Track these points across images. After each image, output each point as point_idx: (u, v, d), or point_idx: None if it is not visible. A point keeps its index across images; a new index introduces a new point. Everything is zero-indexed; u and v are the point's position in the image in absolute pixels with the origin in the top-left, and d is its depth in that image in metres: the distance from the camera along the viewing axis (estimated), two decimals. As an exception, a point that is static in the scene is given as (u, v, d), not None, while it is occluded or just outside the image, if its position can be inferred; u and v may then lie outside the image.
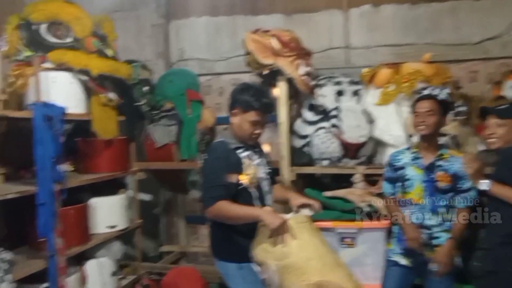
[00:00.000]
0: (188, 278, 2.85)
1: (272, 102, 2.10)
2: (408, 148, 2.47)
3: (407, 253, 2.37)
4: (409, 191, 2.36)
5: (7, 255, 2.30)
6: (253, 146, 2.16)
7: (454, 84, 3.09)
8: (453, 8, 3.48)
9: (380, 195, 2.96)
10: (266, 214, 1.88)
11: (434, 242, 2.31)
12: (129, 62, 3.22)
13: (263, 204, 2.09)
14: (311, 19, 3.70)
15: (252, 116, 2.01)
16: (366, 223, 2.84)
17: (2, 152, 2.60)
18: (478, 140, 3.04)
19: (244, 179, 2.02)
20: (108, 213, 3.12)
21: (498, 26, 3.41)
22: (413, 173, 2.34)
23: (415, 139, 2.86)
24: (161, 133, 3.41)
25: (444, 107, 2.38)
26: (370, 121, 3.00)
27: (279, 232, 1.82)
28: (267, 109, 2.06)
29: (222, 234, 2.09)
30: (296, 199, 2.07)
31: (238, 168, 2.03)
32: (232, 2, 3.88)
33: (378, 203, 2.89)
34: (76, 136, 3.12)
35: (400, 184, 2.39)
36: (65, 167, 2.64)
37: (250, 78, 3.82)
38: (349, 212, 2.88)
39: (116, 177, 3.27)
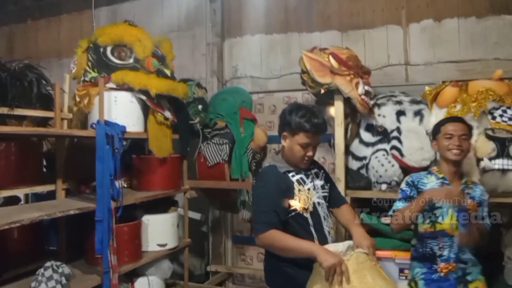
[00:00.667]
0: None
1: (324, 122, 1.98)
2: (429, 173, 2.26)
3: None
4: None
5: (65, 269, 2.35)
6: (307, 169, 2.05)
7: (529, 103, 2.84)
8: (526, 21, 3.23)
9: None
10: (321, 251, 1.72)
11: (468, 278, 2.12)
12: (185, 80, 3.25)
13: (319, 231, 1.96)
14: (367, 35, 3.57)
15: (302, 138, 1.92)
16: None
17: (66, 168, 2.67)
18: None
19: (296, 204, 1.93)
20: (159, 231, 3.13)
21: None
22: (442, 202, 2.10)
23: (488, 163, 2.66)
24: (213, 151, 3.39)
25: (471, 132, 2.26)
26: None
27: (335, 272, 1.66)
28: (318, 130, 1.95)
29: (275, 263, 1.98)
30: (360, 239, 1.89)
31: (289, 193, 1.94)
32: (286, 19, 3.84)
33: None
34: (132, 153, 3.18)
35: (427, 213, 2.13)
36: (121, 183, 2.68)
37: (303, 96, 3.79)
38: (408, 240, 2.69)
39: (168, 196, 3.29)
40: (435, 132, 2.25)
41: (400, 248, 2.71)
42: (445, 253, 2.12)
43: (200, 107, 3.37)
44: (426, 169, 2.78)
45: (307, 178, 2.02)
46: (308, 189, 1.98)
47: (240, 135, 3.41)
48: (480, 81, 2.83)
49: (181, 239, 3.40)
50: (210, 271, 3.95)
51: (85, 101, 2.80)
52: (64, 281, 2.29)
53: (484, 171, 2.67)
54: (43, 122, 2.84)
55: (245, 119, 3.49)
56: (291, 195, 1.93)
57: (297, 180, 1.98)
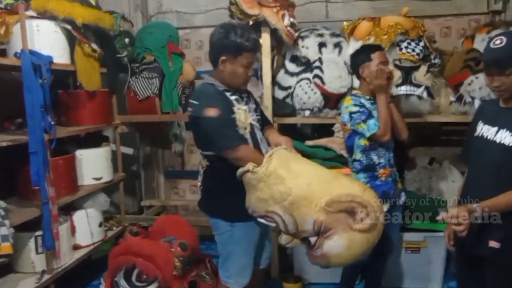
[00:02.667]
0: (176, 225, 2.94)
1: (257, 38, 1.96)
2: (357, 96, 2.49)
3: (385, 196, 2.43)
4: None
5: (1, 202, 2.32)
6: (240, 92, 2.02)
7: (429, 38, 3.23)
8: (429, -36, 3.58)
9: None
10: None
11: (397, 178, 2.59)
12: (109, 12, 3.14)
13: (258, 152, 1.95)
14: (291, -28, 3.68)
15: (245, 58, 1.87)
16: (346, 170, 3.01)
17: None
18: (450, 92, 3.25)
19: (238, 123, 1.92)
20: (93, 165, 3.15)
21: (470, -18, 3.55)
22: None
23: (395, 90, 3.03)
24: (143, 85, 3.39)
25: None
26: (351, 72, 3.11)
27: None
28: (258, 47, 1.93)
29: (215, 191, 2.04)
30: (276, 138, 2.04)
31: (230, 112, 1.90)
32: (211, -48, 3.80)
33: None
34: (56, 88, 3.07)
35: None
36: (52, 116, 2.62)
37: (230, 31, 3.85)
38: (330, 159, 3.03)
39: (99, 130, 3.28)
40: (364, 59, 2.44)
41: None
42: (382, 161, 2.46)
43: (127, 40, 3.31)
44: (344, 95, 3.10)
45: (242, 99, 2.02)
46: (245, 110, 1.97)
47: (169, 69, 3.43)
48: (391, 16, 3.13)
49: (116, 174, 3.45)
50: (144, 206, 4.06)
51: (1, 31, 2.62)
52: (2, 212, 2.28)
53: (392, 96, 3.05)
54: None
55: (174, 53, 3.50)
56: (232, 113, 1.91)
57: (235, 99, 1.96)
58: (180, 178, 4.17)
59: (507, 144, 1.76)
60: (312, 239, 1.77)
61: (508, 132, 1.77)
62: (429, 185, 3.32)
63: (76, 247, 3.03)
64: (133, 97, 3.41)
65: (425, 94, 2.96)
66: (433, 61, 3.02)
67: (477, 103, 3.07)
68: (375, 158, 2.48)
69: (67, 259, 2.85)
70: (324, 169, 1.92)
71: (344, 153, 2.94)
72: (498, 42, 1.74)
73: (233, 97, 1.99)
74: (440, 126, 3.65)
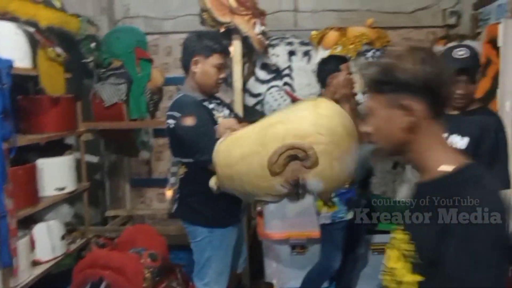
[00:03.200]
0: (145, 235, 2.86)
1: (228, 43, 2.07)
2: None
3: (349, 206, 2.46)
4: None
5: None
6: (214, 98, 2.06)
7: (392, 48, 3.36)
8: (392, -22, 3.74)
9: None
10: None
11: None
12: (75, 15, 3.04)
13: None
14: (260, -20, 3.73)
15: (216, 59, 1.93)
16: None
17: None
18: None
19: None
20: (56, 174, 3.00)
21: (429, -3, 3.74)
22: None
23: (360, 97, 3.11)
24: (109, 91, 3.30)
25: None
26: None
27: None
28: (228, 51, 2.00)
29: (194, 198, 2.05)
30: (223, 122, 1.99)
31: (213, 121, 1.93)
32: (180, -42, 3.78)
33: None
34: (16, 93, 2.92)
35: None
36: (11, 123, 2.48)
37: (198, 38, 3.83)
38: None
39: (62, 138, 3.15)
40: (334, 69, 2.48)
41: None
42: None
43: (93, 45, 3.21)
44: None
45: (218, 106, 2.06)
46: (223, 117, 2.02)
47: (137, 75, 3.36)
48: (357, 27, 3.24)
49: (80, 183, 3.32)
50: (108, 216, 3.93)
51: (-42, 32, 2.48)
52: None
53: (357, 103, 3.14)
54: None
55: (141, 59, 3.43)
56: (215, 122, 1.93)
57: (213, 108, 2.01)
58: (147, 187, 4.08)
59: (459, 148, 1.81)
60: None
61: (458, 136, 1.85)
62: (393, 188, 3.43)
63: (35, 263, 2.85)
64: (99, 103, 3.30)
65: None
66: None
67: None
68: None
69: (25, 276, 2.67)
70: (256, 129, 1.70)
71: None
72: (462, 52, 1.82)
73: (211, 106, 2.02)
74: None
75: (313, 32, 3.32)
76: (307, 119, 1.53)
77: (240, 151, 1.67)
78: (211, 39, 1.95)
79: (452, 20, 3.69)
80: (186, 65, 2.02)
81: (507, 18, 2.75)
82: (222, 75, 2.00)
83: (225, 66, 2.01)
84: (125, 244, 2.81)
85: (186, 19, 3.74)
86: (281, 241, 3.09)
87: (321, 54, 3.19)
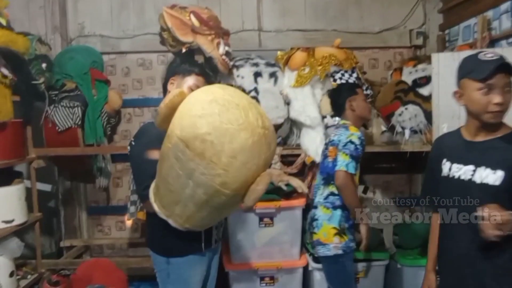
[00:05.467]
0: (103, 270, 2.63)
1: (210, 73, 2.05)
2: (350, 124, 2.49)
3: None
4: (356, 174, 2.41)
5: None
6: None
7: (360, 69, 3.32)
8: (358, -1, 3.72)
9: (296, 174, 3.08)
10: None
11: None
12: (24, 34, 2.81)
13: None
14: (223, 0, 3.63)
15: (192, 80, 1.92)
16: (284, 202, 2.93)
17: None
18: (382, 122, 3.34)
19: None
20: (3, 206, 2.76)
21: (395, 18, 3.73)
22: None
23: (330, 120, 3.04)
24: (63, 115, 3.07)
25: None
26: (287, 102, 3.08)
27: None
28: (207, 77, 2.00)
29: (156, 226, 1.89)
30: None
31: None
32: (139, -25, 3.62)
33: (295, 182, 3.00)
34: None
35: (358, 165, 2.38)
36: None
37: (158, 58, 3.69)
38: (267, 192, 2.92)
39: (10, 166, 2.88)
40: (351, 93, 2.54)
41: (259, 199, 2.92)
42: None
43: (44, 65, 2.97)
44: (280, 126, 3.06)
45: None
46: None
47: (92, 97, 3.15)
48: (324, 47, 3.17)
49: (31, 214, 3.04)
50: (64, 246, 3.63)
51: None
52: None
53: (327, 126, 3.06)
54: None
55: (98, 80, 3.23)
56: None
57: None
58: (105, 214, 3.81)
59: (491, 183, 1.53)
60: None
61: (488, 169, 1.55)
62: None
63: (-21, 305, 2.58)
64: (51, 128, 3.06)
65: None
66: (365, 92, 3.09)
67: (407, 133, 3.17)
68: None
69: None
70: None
71: (281, 184, 2.82)
72: (491, 54, 1.54)
73: None
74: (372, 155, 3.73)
75: (279, 53, 3.23)
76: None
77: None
78: (192, 64, 2.02)
79: (419, 41, 3.70)
80: (164, 86, 2.01)
81: (438, 52, 3.15)
82: None
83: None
84: (81, 281, 2.59)
85: (145, 38, 3.57)
86: (250, 272, 2.93)
87: (288, 75, 3.10)
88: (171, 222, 1.63)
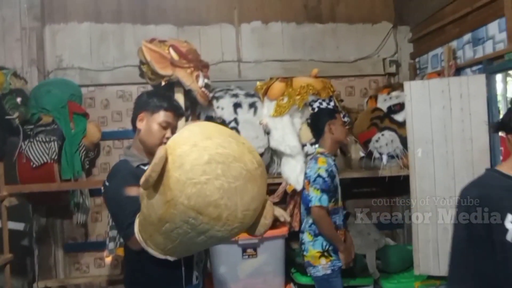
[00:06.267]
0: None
1: (181, 106, 1.99)
2: (325, 155, 2.59)
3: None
4: (338, 198, 2.59)
5: None
6: None
7: (337, 97, 3.38)
8: (333, 29, 3.83)
9: (277, 203, 3.07)
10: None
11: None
12: (-2, 68, 2.77)
13: None
14: (203, 31, 3.68)
15: (162, 116, 1.82)
16: (267, 232, 2.88)
17: None
18: (360, 148, 3.38)
19: None
20: (-28, 248, 2.61)
21: (369, 48, 3.85)
22: (338, 180, 2.59)
23: (310, 148, 3.06)
24: (38, 150, 2.99)
25: None
26: (267, 132, 3.09)
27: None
28: (178, 111, 1.90)
29: (134, 264, 1.84)
30: None
31: None
32: (118, 9, 3.63)
33: (277, 212, 2.97)
34: None
35: (332, 194, 2.53)
36: None
37: (138, 89, 3.66)
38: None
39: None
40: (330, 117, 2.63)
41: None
42: (339, 222, 2.56)
43: (19, 100, 2.91)
44: (261, 156, 3.04)
45: None
46: None
47: (70, 131, 3.09)
48: (302, 77, 3.23)
49: (0, 256, 2.90)
50: (39, 288, 3.46)
51: None
52: None
53: (307, 154, 3.07)
54: None
55: (76, 113, 3.18)
56: None
57: None
58: (83, 251, 3.68)
59: None
60: None
61: None
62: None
63: None
64: (25, 163, 2.97)
65: (338, 151, 3.04)
66: (343, 119, 3.14)
67: (385, 158, 3.23)
68: (337, 220, 2.56)
69: None
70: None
71: (286, 219, 2.83)
72: None
73: None
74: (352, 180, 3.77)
75: (258, 83, 3.27)
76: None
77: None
78: (161, 96, 1.89)
79: (392, 69, 3.83)
80: (133, 122, 1.92)
81: (410, 80, 3.37)
82: (168, 135, 1.85)
83: (172, 126, 1.88)
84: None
85: (125, 70, 3.57)
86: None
87: (267, 105, 3.13)
88: (150, 251, 1.58)
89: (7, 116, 2.81)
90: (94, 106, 3.64)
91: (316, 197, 2.46)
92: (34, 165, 2.96)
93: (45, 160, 2.98)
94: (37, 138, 3.02)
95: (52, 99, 3.10)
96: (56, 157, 3.01)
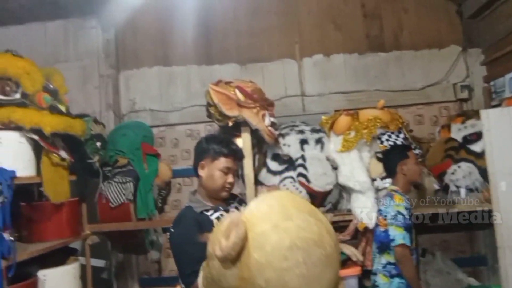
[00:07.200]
0: None
1: (241, 149, 2.00)
2: (401, 194, 2.50)
3: None
4: (413, 237, 2.45)
5: None
6: (226, 204, 1.95)
7: (406, 128, 3.26)
8: (398, 57, 3.74)
9: (348, 241, 2.98)
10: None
11: None
12: (80, 116, 3.00)
13: None
14: (265, 68, 3.76)
15: (222, 163, 1.85)
16: (355, 269, 2.82)
17: None
18: (434, 180, 3.21)
19: None
20: (59, 286, 2.77)
21: (437, 73, 3.71)
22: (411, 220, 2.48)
23: (380, 183, 2.95)
24: (116, 191, 3.16)
25: None
26: (334, 167, 3.03)
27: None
28: (237, 155, 1.92)
29: None
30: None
31: (209, 231, 1.86)
32: (185, 52, 3.84)
33: (349, 250, 2.89)
34: (17, 200, 2.79)
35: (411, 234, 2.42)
36: (7, 236, 2.33)
37: (205, 128, 3.80)
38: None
39: (67, 244, 2.96)
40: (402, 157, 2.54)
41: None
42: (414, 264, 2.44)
43: (98, 144, 3.12)
44: (330, 192, 2.99)
45: (227, 213, 1.88)
46: None
47: (144, 171, 3.25)
48: (368, 110, 3.16)
49: (85, 292, 3.07)
50: (116, 321, 3.62)
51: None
52: None
53: (378, 189, 2.97)
54: None
55: (148, 154, 3.35)
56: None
57: (217, 218, 1.87)
58: (157, 286, 3.80)
59: None
60: None
61: None
62: (425, 280, 3.14)
63: None
64: (105, 204, 3.15)
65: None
66: (416, 156, 3.01)
67: (463, 192, 3.04)
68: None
69: None
70: None
71: (358, 258, 2.82)
72: None
73: (214, 216, 1.88)
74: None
75: (323, 118, 3.24)
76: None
77: None
78: (220, 142, 1.91)
79: (464, 94, 3.64)
80: (195, 170, 1.95)
81: (486, 105, 3.21)
82: (230, 180, 1.89)
83: (233, 171, 1.91)
84: None
85: (192, 110, 3.73)
86: None
87: (333, 140, 3.08)
88: None
89: (88, 160, 3.02)
90: (165, 145, 3.82)
91: (399, 235, 2.34)
92: (112, 205, 3.13)
93: (122, 201, 3.14)
94: (114, 179, 3.20)
95: (127, 142, 3.29)
96: (131, 198, 3.16)
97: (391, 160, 2.61)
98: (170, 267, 3.75)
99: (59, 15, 3.76)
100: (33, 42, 3.84)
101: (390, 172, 2.61)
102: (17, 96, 2.53)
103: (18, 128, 2.48)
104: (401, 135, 3.04)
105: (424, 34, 3.78)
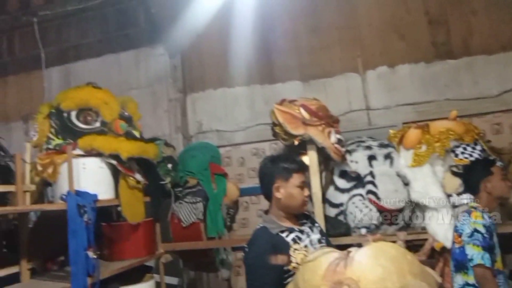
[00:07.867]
0: None
1: (302, 160, 2.05)
2: (482, 211, 2.35)
3: None
4: (496, 260, 2.27)
5: None
6: (300, 224, 1.98)
7: (483, 139, 3.05)
8: (469, 63, 3.54)
9: (423, 262, 2.82)
10: None
11: None
12: (152, 140, 3.16)
13: None
14: (328, 83, 3.74)
15: (296, 179, 1.90)
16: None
17: (29, 246, 2.46)
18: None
19: (293, 265, 1.82)
20: (138, 302, 2.91)
21: (514, 78, 3.46)
22: (496, 239, 2.30)
23: (456, 199, 2.78)
24: (187, 211, 3.28)
25: None
26: (406, 183, 2.91)
27: None
28: (305, 168, 2.00)
29: None
30: None
31: (285, 255, 1.84)
32: (248, 73, 3.93)
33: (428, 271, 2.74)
34: (100, 220, 2.99)
35: (492, 255, 2.25)
36: (91, 254, 2.50)
37: (270, 146, 3.83)
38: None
39: (143, 262, 3.10)
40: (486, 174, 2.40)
41: None
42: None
43: (169, 166, 3.27)
44: (402, 210, 2.87)
45: (302, 234, 1.94)
46: (305, 246, 1.90)
47: (213, 191, 3.34)
48: (440, 121, 3.00)
49: (160, 309, 3.19)
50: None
51: (49, 170, 2.64)
52: None
53: (454, 206, 2.79)
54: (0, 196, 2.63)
55: (216, 174, 3.44)
56: (287, 257, 1.84)
57: (292, 239, 1.89)
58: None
59: None
60: None
61: None
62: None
63: None
64: (177, 223, 3.28)
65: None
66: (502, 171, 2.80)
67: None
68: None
69: None
70: None
71: (437, 279, 2.65)
72: None
73: (290, 237, 1.90)
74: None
75: (391, 131, 3.13)
76: None
77: None
78: (285, 160, 1.96)
79: (546, 98, 3.35)
80: (267, 193, 1.98)
81: None
82: (306, 193, 1.95)
83: (306, 184, 1.97)
84: None
85: (257, 129, 3.79)
86: None
87: (403, 155, 2.96)
88: None
89: (161, 182, 3.16)
90: (231, 165, 3.91)
91: (477, 255, 2.20)
92: (184, 225, 3.25)
93: (193, 220, 3.24)
94: (185, 200, 3.32)
95: (196, 163, 3.41)
96: (202, 217, 3.26)
97: (473, 177, 2.46)
98: (240, 284, 3.79)
99: (131, 46, 4.04)
100: (108, 72, 4.15)
101: (472, 190, 2.46)
102: (97, 124, 2.75)
103: (99, 154, 2.67)
104: (478, 147, 2.85)
105: (497, 37, 3.55)
